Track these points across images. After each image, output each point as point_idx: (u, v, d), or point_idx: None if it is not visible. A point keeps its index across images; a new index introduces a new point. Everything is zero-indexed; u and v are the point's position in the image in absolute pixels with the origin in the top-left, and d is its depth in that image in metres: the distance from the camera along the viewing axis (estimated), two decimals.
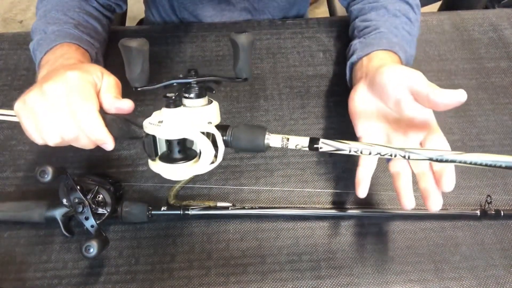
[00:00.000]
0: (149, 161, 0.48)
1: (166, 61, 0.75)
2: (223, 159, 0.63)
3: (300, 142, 0.45)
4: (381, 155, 0.43)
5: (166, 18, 0.89)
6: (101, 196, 0.54)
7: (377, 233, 0.58)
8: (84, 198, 0.51)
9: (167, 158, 0.47)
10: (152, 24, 0.94)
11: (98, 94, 0.48)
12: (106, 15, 0.73)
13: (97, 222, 0.51)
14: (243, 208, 0.58)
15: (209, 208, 0.58)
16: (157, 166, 0.47)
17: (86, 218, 0.51)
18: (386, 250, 0.57)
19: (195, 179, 0.62)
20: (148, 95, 0.70)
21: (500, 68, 0.76)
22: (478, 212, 0.59)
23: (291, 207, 0.59)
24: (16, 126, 0.67)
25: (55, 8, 0.65)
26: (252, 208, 0.58)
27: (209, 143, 0.45)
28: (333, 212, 0.59)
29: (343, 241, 0.57)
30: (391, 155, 0.42)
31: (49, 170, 0.47)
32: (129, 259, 0.56)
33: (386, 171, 0.63)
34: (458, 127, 0.68)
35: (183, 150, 0.47)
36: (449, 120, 0.69)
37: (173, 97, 0.45)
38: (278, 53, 0.76)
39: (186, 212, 0.57)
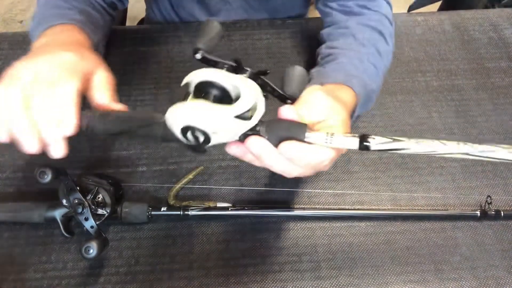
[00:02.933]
0: (175, 105, 0.39)
1: (166, 61, 0.75)
2: (223, 159, 0.64)
3: (347, 141, 0.38)
4: (453, 154, 0.36)
5: (166, 16, 0.89)
6: (100, 196, 0.54)
7: (377, 233, 0.58)
8: (83, 199, 0.51)
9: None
10: (153, 22, 0.94)
11: (86, 82, 0.45)
12: (108, 12, 0.73)
13: (97, 222, 0.51)
14: (243, 208, 0.58)
15: (209, 208, 0.58)
16: (187, 105, 0.39)
17: (86, 219, 0.51)
18: (386, 251, 0.57)
19: (195, 179, 0.62)
20: (147, 95, 0.70)
21: (500, 68, 0.76)
22: (478, 212, 0.58)
23: (291, 208, 0.59)
24: None
25: None
26: (252, 208, 0.58)
27: (255, 88, 0.40)
28: (333, 212, 0.59)
29: (343, 241, 0.57)
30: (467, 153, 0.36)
31: (49, 171, 0.47)
32: (129, 259, 0.56)
33: (386, 171, 0.63)
34: (458, 127, 0.68)
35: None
36: (449, 121, 0.69)
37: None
38: (278, 53, 0.76)
39: (186, 212, 0.57)
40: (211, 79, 0.40)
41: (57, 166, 0.48)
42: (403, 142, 0.37)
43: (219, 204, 0.58)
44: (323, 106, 0.44)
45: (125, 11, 1.08)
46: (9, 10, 2.15)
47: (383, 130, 0.67)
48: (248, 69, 0.43)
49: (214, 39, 0.45)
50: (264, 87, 0.44)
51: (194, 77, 0.41)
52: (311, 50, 0.77)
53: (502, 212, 0.58)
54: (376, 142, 0.38)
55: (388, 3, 0.67)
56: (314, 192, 0.61)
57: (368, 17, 0.65)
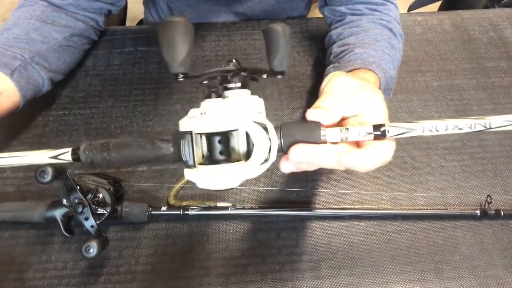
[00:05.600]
0: (185, 170, 0.39)
1: None
2: None
3: (362, 130, 0.39)
4: (459, 128, 0.38)
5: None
6: (101, 196, 0.54)
7: (377, 233, 0.58)
8: (84, 198, 0.51)
9: (209, 161, 0.39)
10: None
11: None
12: (94, 27, 0.72)
13: (97, 222, 0.51)
14: (243, 208, 0.58)
15: (209, 208, 0.58)
16: (196, 172, 0.38)
17: (86, 219, 0.51)
18: (386, 250, 0.57)
19: None
20: (147, 95, 0.70)
21: (500, 68, 0.76)
22: (478, 212, 0.58)
23: (291, 207, 0.59)
24: (16, 126, 0.67)
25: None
26: (252, 208, 0.58)
27: (264, 133, 0.38)
28: (333, 212, 0.59)
29: (343, 241, 0.57)
30: (470, 127, 0.38)
31: (49, 170, 0.47)
32: (129, 259, 0.56)
33: (386, 170, 0.63)
34: None
35: (226, 152, 0.39)
36: None
37: (216, 86, 0.40)
38: None
39: (186, 212, 0.57)
40: (215, 130, 0.38)
41: (57, 166, 0.48)
42: (412, 126, 0.39)
43: (219, 204, 0.58)
44: (350, 92, 0.42)
45: (125, 11, 1.08)
46: (9, 10, 2.15)
47: None
48: (243, 73, 0.41)
49: (190, 49, 0.39)
50: (254, 78, 0.42)
51: (195, 127, 0.38)
52: (311, 50, 0.77)
53: (502, 212, 0.58)
54: (390, 129, 0.39)
55: (397, 7, 0.68)
56: (314, 191, 0.61)
57: (379, 16, 0.65)
